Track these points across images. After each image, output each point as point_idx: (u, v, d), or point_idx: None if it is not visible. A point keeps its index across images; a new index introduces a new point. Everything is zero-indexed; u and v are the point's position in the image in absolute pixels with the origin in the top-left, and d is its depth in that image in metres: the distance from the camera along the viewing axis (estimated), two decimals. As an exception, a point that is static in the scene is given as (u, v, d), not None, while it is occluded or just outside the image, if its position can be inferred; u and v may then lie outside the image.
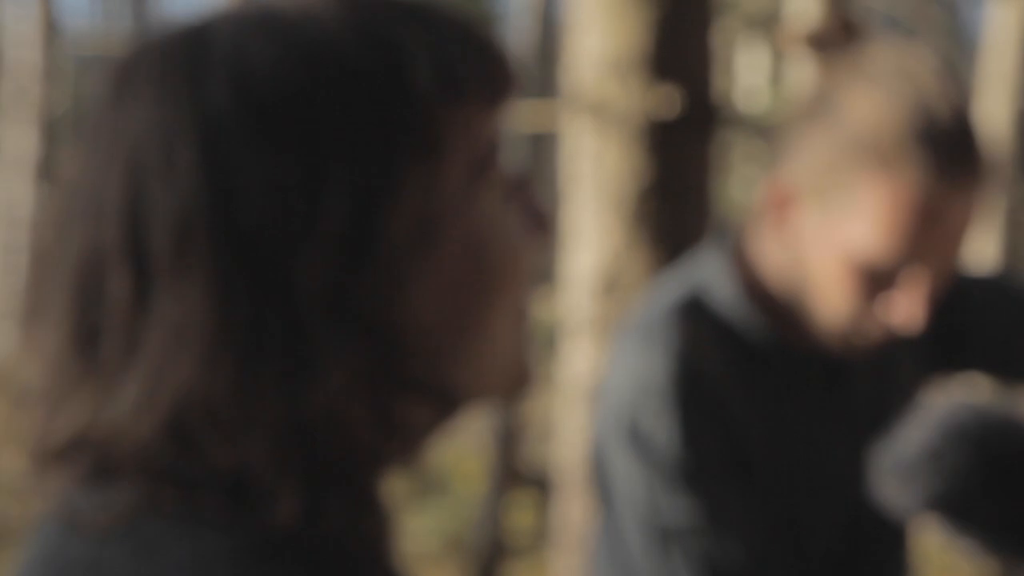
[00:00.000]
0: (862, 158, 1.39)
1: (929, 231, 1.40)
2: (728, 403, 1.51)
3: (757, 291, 1.52)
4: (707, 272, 1.55)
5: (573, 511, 2.66)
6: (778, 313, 1.51)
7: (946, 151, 1.39)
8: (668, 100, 2.49)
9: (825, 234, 1.43)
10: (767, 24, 9.89)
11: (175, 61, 0.72)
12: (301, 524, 0.68)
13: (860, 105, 1.39)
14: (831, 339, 1.47)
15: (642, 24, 2.50)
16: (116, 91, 0.73)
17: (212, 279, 0.69)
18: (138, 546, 0.68)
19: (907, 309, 1.42)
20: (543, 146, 15.20)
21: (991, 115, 6.52)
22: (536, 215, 0.78)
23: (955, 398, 1.32)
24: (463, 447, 7.48)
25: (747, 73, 11.47)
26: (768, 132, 6.20)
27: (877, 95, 1.39)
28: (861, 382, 1.57)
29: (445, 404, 0.76)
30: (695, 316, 1.52)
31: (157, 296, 0.69)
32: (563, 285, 2.66)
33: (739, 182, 9.71)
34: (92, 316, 0.70)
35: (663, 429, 1.46)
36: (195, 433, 0.68)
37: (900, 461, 1.28)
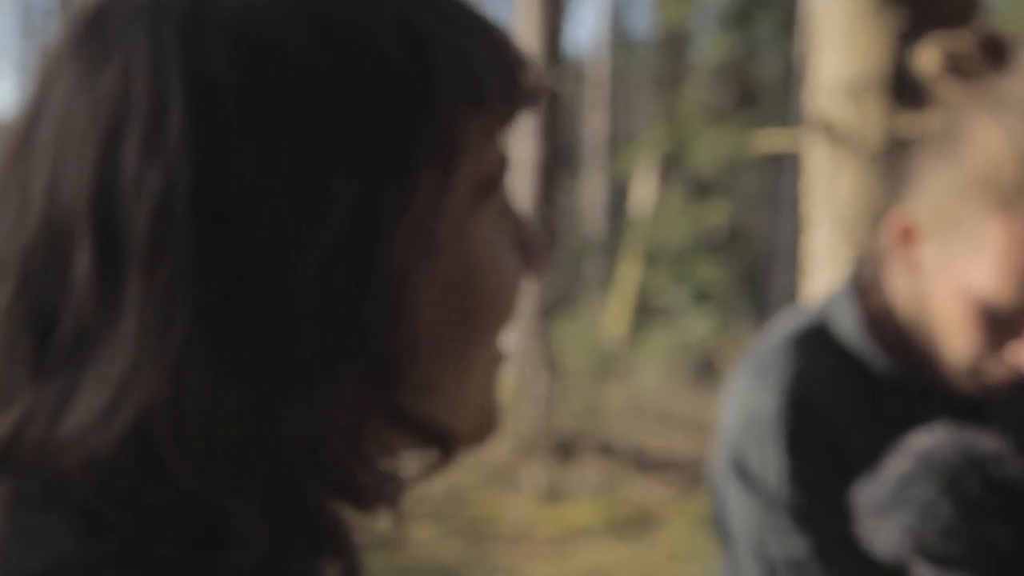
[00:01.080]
0: (984, 197, 1.32)
1: None
2: (842, 437, 1.47)
3: (880, 323, 1.48)
4: (832, 302, 1.52)
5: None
6: (902, 347, 1.47)
7: None
8: (904, 123, 2.41)
9: (947, 272, 1.37)
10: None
11: (170, 11, 0.61)
12: (262, 560, 0.59)
13: (985, 139, 1.32)
14: (957, 376, 1.42)
15: (879, 45, 2.47)
16: (90, 37, 0.62)
17: (190, 271, 0.59)
18: None
19: None
20: (786, 169, 15.04)
21: None
22: (531, 248, 0.72)
23: (939, 430, 1.26)
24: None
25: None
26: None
27: (1004, 130, 1.31)
28: (990, 420, 1.49)
29: (437, 443, 0.67)
30: (812, 347, 1.49)
31: (127, 284, 0.59)
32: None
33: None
34: (47, 300, 0.61)
35: (769, 462, 1.45)
36: (158, 452, 0.58)
37: (873, 495, 1.23)
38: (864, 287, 1.51)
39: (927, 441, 1.23)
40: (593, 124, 20.04)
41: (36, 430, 0.60)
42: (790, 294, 15.03)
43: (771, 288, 15.01)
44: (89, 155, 0.60)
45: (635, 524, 7.53)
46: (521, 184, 10.92)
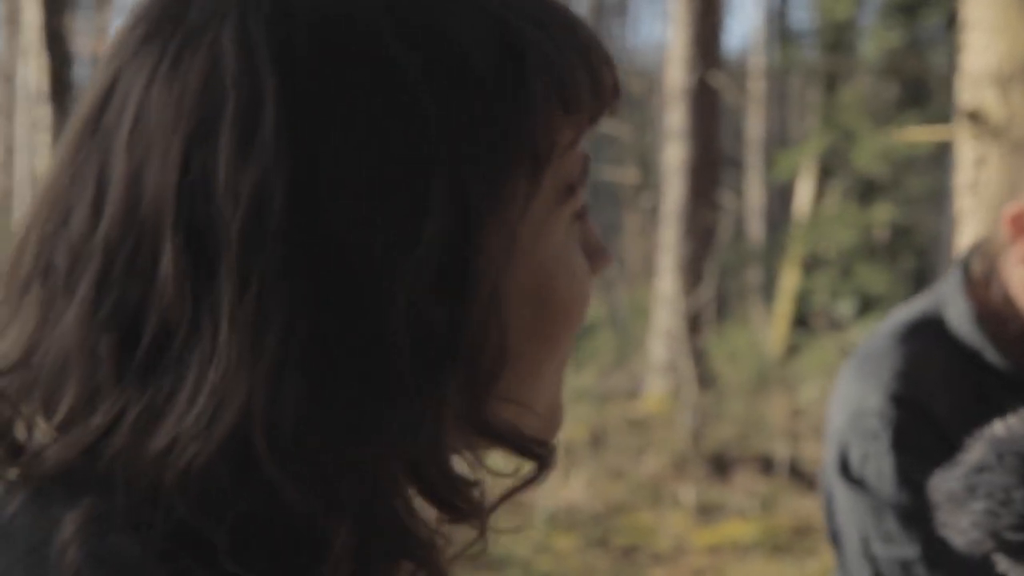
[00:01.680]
0: None
1: None
2: (951, 431, 1.42)
3: (992, 316, 1.46)
4: (942, 294, 1.51)
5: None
6: (1016, 340, 1.46)
7: None
8: None
9: None
10: None
11: (258, 3, 0.60)
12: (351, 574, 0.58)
13: None
14: None
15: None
16: (169, 25, 0.60)
17: (283, 278, 0.57)
18: None
19: None
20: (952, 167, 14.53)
21: None
22: (598, 252, 0.71)
23: (1016, 419, 1.22)
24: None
25: None
26: None
27: None
28: None
29: (526, 452, 0.68)
30: (921, 339, 1.48)
31: (219, 288, 0.57)
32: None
33: None
34: (131, 298, 0.59)
35: (872, 459, 1.43)
36: (254, 464, 0.57)
37: (948, 484, 1.19)
38: (976, 279, 1.49)
39: (1002, 429, 1.20)
40: (751, 124, 19.74)
41: (124, 439, 0.58)
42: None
43: (943, 293, 14.50)
44: (177, 148, 0.58)
45: (793, 541, 7.38)
46: (671, 188, 10.78)
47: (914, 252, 13.35)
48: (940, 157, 13.69)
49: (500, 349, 0.62)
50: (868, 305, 12.29)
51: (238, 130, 0.57)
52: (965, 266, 1.51)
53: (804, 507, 8.10)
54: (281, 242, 0.57)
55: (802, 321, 12.93)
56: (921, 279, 13.61)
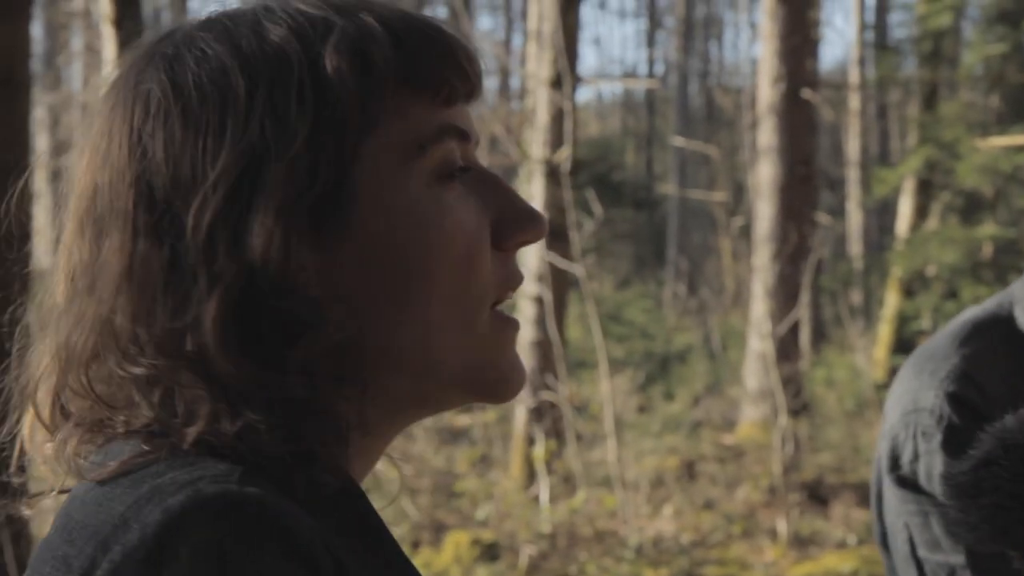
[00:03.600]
0: None
1: None
2: None
3: None
4: (1014, 294, 1.51)
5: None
6: None
7: None
8: None
9: None
10: None
11: (131, 66, 0.91)
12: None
13: None
14: None
15: None
16: (101, 100, 0.93)
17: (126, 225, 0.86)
18: None
19: None
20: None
21: None
22: (519, 217, 0.91)
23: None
24: None
25: None
26: None
27: None
28: None
29: (365, 376, 0.87)
30: (985, 337, 1.47)
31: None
32: None
33: None
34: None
35: (922, 457, 1.43)
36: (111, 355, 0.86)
37: (957, 477, 1.19)
38: None
39: (1012, 420, 1.20)
40: (850, 141, 19.54)
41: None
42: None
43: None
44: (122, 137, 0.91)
45: (895, 575, 7.24)
46: (761, 207, 10.74)
47: (1021, 270, 13.07)
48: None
49: (322, 272, 0.85)
50: (974, 327, 12.06)
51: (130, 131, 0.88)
52: None
53: (906, 538, 7.99)
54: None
55: (904, 345, 12.75)
56: (1029, 298, 13.34)
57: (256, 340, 0.84)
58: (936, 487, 1.41)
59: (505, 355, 0.92)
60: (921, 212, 13.63)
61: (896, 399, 1.49)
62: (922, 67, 14.19)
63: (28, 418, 0.92)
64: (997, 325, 1.49)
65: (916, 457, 1.44)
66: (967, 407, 1.43)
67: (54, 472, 0.90)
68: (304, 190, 0.85)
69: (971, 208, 13.38)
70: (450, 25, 0.94)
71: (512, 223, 0.92)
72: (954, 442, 1.41)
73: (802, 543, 7.93)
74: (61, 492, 0.90)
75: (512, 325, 0.93)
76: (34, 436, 0.91)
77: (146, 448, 0.82)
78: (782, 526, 8.00)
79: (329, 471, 0.84)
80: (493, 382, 0.92)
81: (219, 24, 0.90)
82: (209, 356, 0.83)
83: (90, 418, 0.87)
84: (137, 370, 0.84)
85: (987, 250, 12.99)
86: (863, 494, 8.76)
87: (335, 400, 0.86)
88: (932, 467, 1.42)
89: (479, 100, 0.95)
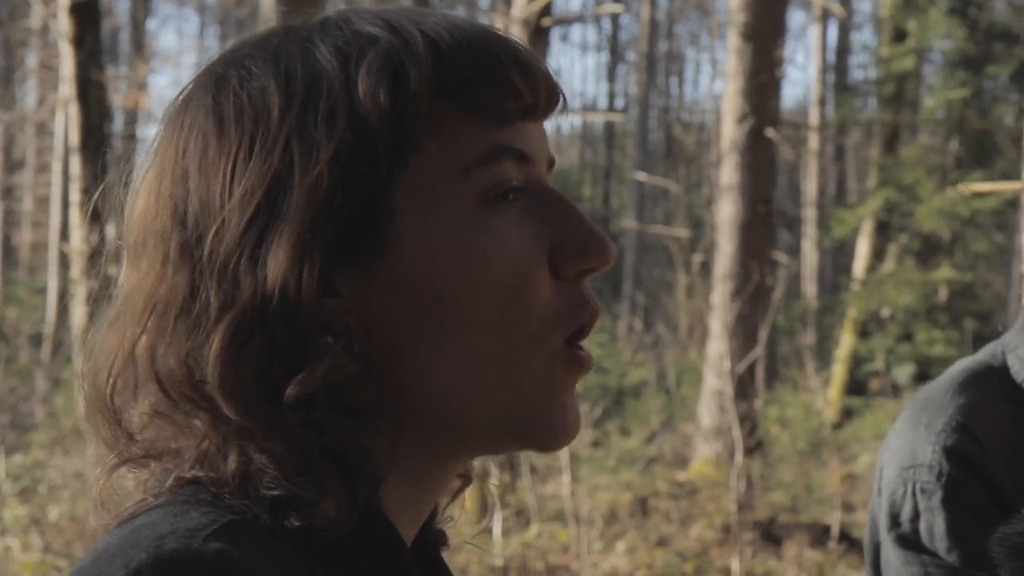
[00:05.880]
0: None
1: None
2: (1012, 488, 1.42)
3: None
4: (1007, 343, 1.50)
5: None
6: None
7: None
8: None
9: None
10: None
11: (186, 89, 0.89)
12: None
13: None
14: None
15: None
16: (177, 101, 0.90)
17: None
18: None
19: None
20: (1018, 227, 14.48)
21: None
22: (578, 246, 0.85)
23: None
24: None
25: None
26: None
27: None
28: None
29: (397, 409, 0.83)
30: (982, 387, 1.46)
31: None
32: None
33: None
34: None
35: (923, 515, 1.41)
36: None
37: (1012, 537, 1.20)
38: None
39: None
40: (808, 181, 19.75)
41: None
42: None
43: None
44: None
45: (846, 616, 7.31)
46: (722, 245, 10.83)
47: (976, 315, 13.25)
48: (1004, 216, 13.65)
49: (355, 294, 0.82)
50: (927, 370, 12.21)
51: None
52: None
53: (858, 579, 8.07)
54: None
55: (858, 386, 12.87)
56: (982, 343, 13.53)
57: (265, 373, 0.80)
58: (939, 545, 1.40)
59: (557, 398, 0.85)
60: (878, 254, 13.80)
61: (893, 453, 1.47)
62: (883, 109, 14.38)
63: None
64: (991, 375, 1.48)
65: (917, 515, 1.42)
66: (966, 461, 1.41)
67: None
68: (327, 216, 0.81)
69: (928, 251, 13.56)
70: (513, 38, 0.87)
71: (573, 249, 0.85)
72: (955, 498, 1.40)
73: (755, 582, 7.98)
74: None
75: (580, 365, 0.86)
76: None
77: (150, 493, 0.81)
78: (735, 565, 8.04)
79: (340, 514, 0.79)
80: (539, 430, 0.85)
81: (272, 41, 0.87)
82: (214, 389, 0.80)
83: (116, 458, 0.86)
84: (146, 405, 0.83)
85: (943, 294, 13.16)
86: (816, 534, 8.83)
87: (361, 439, 0.82)
88: (933, 525, 1.41)
89: (556, 116, 0.89)
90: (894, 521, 1.44)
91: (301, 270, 0.80)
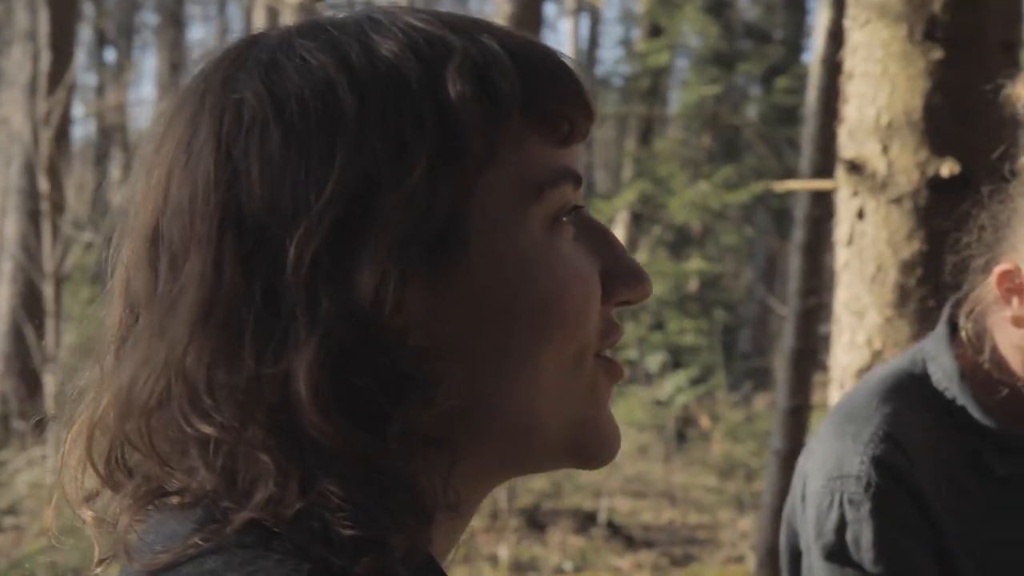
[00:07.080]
0: None
1: None
2: (937, 496, 1.44)
3: (982, 375, 1.47)
4: (926, 351, 1.51)
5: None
6: (1004, 401, 1.46)
7: None
8: (934, 167, 2.47)
9: None
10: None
11: (216, 70, 0.81)
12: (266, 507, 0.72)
13: None
14: None
15: (910, 87, 2.51)
16: (172, 106, 0.83)
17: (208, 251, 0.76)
18: None
19: None
20: (760, 222, 15.16)
21: None
22: (617, 274, 0.84)
23: None
24: None
25: None
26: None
27: None
28: None
29: (465, 424, 0.78)
30: (905, 398, 1.47)
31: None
32: (831, 356, 2.70)
33: None
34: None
35: (850, 525, 1.42)
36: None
37: None
38: (964, 338, 1.49)
39: None
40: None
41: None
42: (758, 352, 15.29)
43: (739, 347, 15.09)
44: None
45: (611, 601, 7.48)
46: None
47: (725, 305, 13.79)
48: (751, 210, 14.26)
49: (429, 317, 0.77)
50: (678, 358, 12.62)
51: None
52: (952, 324, 1.52)
53: (620, 564, 8.27)
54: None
55: (613, 373, 13.18)
56: (730, 332, 14.09)
57: (353, 397, 0.74)
58: (865, 556, 1.41)
59: (603, 413, 0.85)
60: (632, 245, 14.17)
61: (819, 463, 1.47)
62: (637, 103, 14.78)
63: (69, 465, 0.81)
64: (913, 383, 1.49)
65: (844, 526, 1.43)
66: (893, 470, 1.42)
67: (98, 537, 0.80)
68: (421, 225, 0.76)
69: (680, 243, 14.01)
70: (570, 58, 0.86)
71: (618, 279, 0.85)
72: (882, 510, 1.41)
73: (521, 568, 8.07)
74: (100, 562, 0.81)
75: (619, 372, 0.86)
76: (77, 485, 0.81)
77: (198, 535, 0.72)
78: (503, 551, 8.12)
79: (408, 554, 0.74)
80: (599, 442, 0.84)
81: (322, 31, 0.81)
82: (298, 411, 0.73)
83: (144, 485, 0.78)
84: (205, 427, 0.74)
85: (693, 284, 13.63)
86: (579, 521, 9.01)
87: (421, 472, 0.76)
88: (860, 536, 1.41)
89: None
90: (819, 531, 1.44)
91: (399, 283, 0.75)
